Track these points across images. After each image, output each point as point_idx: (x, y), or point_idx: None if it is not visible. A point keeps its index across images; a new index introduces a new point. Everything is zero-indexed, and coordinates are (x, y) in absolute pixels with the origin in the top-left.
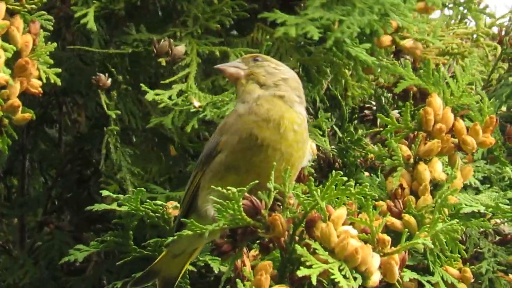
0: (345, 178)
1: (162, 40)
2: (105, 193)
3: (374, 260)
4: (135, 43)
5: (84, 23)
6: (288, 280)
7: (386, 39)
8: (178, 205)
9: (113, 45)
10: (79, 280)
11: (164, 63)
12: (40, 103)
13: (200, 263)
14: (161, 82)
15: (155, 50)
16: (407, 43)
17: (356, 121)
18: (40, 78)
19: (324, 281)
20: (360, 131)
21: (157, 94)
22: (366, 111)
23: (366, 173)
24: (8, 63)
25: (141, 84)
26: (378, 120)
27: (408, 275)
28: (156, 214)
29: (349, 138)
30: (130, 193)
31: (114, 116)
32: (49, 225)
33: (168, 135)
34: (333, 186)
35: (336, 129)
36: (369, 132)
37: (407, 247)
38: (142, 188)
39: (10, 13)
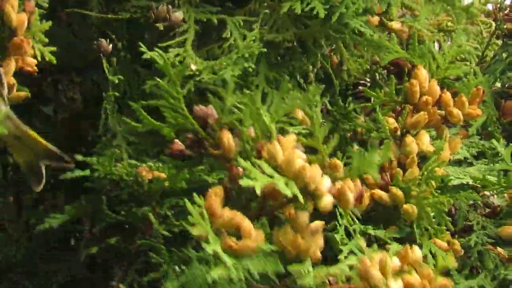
0: (294, 93)
1: (160, 6)
2: (78, 157)
3: (323, 181)
4: (133, 9)
5: None
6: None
7: (375, 19)
8: (152, 165)
9: (111, 12)
10: (71, 255)
11: (162, 28)
12: (35, 81)
13: (175, 229)
14: (159, 44)
15: (153, 15)
16: (395, 24)
17: (350, 98)
18: (35, 57)
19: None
20: (351, 106)
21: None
22: (360, 88)
23: (356, 147)
24: (2, 42)
25: (139, 43)
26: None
27: (395, 247)
28: (130, 178)
29: (339, 112)
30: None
31: (116, 81)
32: (44, 203)
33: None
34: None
35: (327, 102)
36: (360, 107)
37: (361, 171)
38: (117, 150)
39: None
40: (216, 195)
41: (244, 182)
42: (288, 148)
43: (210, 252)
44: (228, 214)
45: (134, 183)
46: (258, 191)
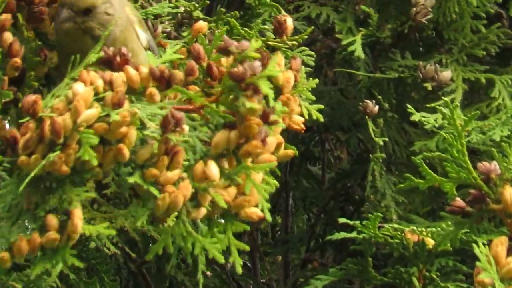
0: None
1: (428, 65)
2: (341, 220)
3: None
4: (401, 69)
5: (351, 50)
6: None
7: None
8: (416, 228)
9: (378, 72)
10: None
11: (430, 88)
12: (302, 140)
13: None
14: (426, 105)
15: (421, 75)
16: None
17: None
18: (302, 115)
19: None
20: None
21: (423, 116)
22: None
23: None
24: None
25: (407, 105)
26: None
27: None
28: (395, 240)
29: None
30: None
31: (381, 143)
32: (312, 262)
33: (431, 164)
34: None
35: None
36: None
37: None
38: (379, 214)
39: (271, 50)
40: (501, 244)
41: None
42: None
43: None
44: None
45: (399, 246)
46: None
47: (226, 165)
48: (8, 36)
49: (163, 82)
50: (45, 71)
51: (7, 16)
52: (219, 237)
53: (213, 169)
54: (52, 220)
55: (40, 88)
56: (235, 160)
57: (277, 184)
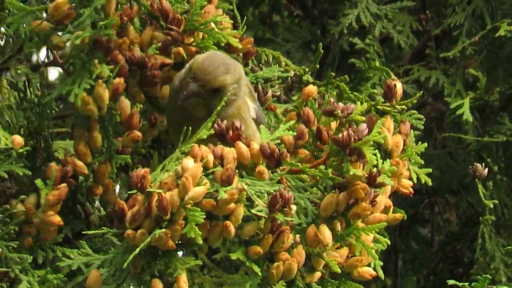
0: None
1: None
2: (450, 282)
3: None
4: (509, 132)
5: (459, 114)
6: None
7: None
8: None
9: (487, 135)
10: None
11: None
12: (411, 203)
13: None
14: None
15: None
16: None
17: None
18: (410, 179)
19: None
20: None
21: None
22: None
23: None
24: None
25: None
26: None
27: None
28: None
29: None
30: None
31: (491, 205)
32: None
33: None
34: None
35: None
36: None
37: None
38: (488, 276)
39: (381, 114)
40: None
41: None
42: None
43: None
44: None
45: None
46: None
47: (337, 226)
48: (126, 104)
49: (273, 161)
50: (155, 134)
51: (120, 80)
52: None
53: (326, 233)
54: (158, 284)
55: (150, 151)
56: (345, 221)
57: (388, 241)
